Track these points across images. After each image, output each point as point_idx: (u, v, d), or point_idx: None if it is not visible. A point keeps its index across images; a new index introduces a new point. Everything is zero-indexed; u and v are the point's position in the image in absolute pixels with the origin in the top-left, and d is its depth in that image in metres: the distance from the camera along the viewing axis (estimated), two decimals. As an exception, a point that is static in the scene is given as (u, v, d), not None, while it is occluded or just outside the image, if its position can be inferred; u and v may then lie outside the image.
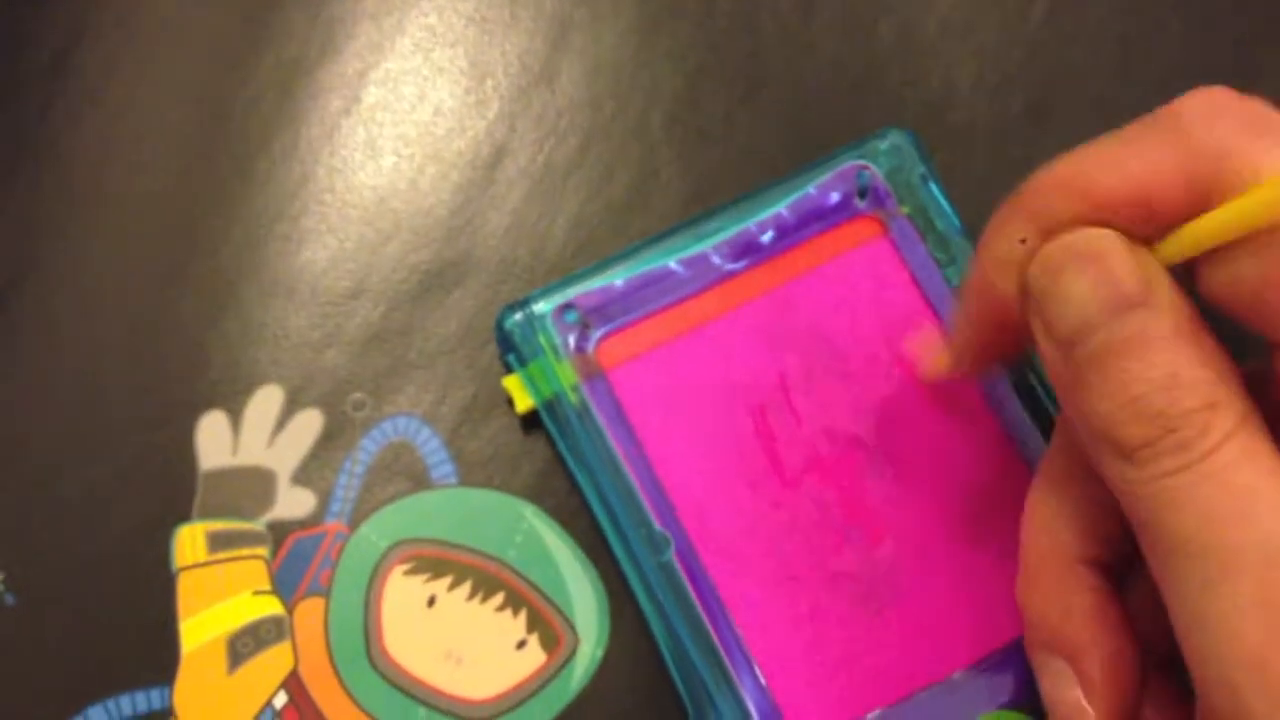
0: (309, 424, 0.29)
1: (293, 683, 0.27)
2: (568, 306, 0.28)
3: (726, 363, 0.28)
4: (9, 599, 0.28)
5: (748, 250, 0.29)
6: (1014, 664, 0.26)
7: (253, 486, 0.28)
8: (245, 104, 0.31)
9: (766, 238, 0.29)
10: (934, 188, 0.29)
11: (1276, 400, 0.21)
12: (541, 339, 0.28)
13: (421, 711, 0.27)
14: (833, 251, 0.29)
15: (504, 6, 0.32)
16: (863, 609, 0.27)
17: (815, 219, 0.29)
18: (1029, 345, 0.22)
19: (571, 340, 0.28)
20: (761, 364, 0.28)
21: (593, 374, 0.28)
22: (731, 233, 0.29)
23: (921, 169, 0.29)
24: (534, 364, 0.28)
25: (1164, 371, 0.19)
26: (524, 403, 0.28)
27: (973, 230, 0.29)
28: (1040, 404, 0.28)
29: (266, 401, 0.29)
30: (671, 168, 0.31)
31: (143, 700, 0.27)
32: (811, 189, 0.29)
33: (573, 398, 0.28)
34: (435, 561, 0.28)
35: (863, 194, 0.29)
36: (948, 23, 0.32)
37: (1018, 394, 0.28)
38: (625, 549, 0.27)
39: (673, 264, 0.29)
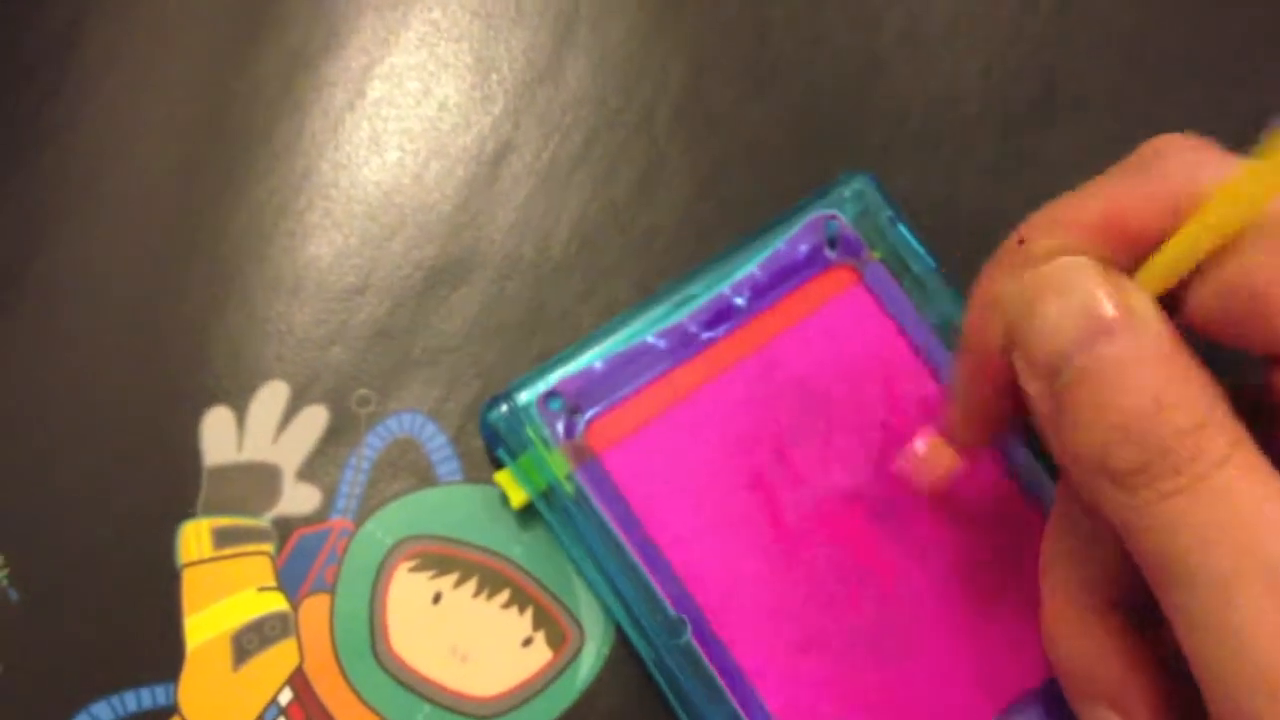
0: (314, 420, 0.29)
1: (298, 679, 0.27)
2: (551, 394, 0.27)
3: (719, 431, 0.28)
4: (13, 595, 0.28)
5: (725, 315, 0.28)
6: (1037, 713, 0.26)
7: (258, 482, 0.28)
8: (247, 96, 0.31)
9: (741, 300, 0.28)
10: (902, 229, 0.29)
11: (1272, 419, 0.21)
12: (529, 430, 0.27)
13: (427, 708, 0.27)
14: (810, 306, 0.29)
15: (509, 1, 0.32)
16: (888, 666, 0.26)
17: (788, 275, 0.29)
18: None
19: (559, 428, 0.27)
20: (753, 428, 0.28)
21: (585, 459, 0.27)
22: (706, 299, 0.28)
23: (888, 212, 0.29)
24: (524, 457, 0.27)
25: (1150, 395, 0.19)
26: (519, 497, 0.27)
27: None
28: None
29: (271, 397, 0.29)
30: (677, 163, 0.31)
31: (147, 696, 0.27)
32: (781, 245, 0.29)
33: (568, 486, 0.27)
34: (441, 558, 0.28)
35: (833, 244, 0.29)
36: (955, 15, 0.32)
37: (1022, 434, 0.27)
38: (641, 634, 0.26)
39: (651, 338, 0.28)
